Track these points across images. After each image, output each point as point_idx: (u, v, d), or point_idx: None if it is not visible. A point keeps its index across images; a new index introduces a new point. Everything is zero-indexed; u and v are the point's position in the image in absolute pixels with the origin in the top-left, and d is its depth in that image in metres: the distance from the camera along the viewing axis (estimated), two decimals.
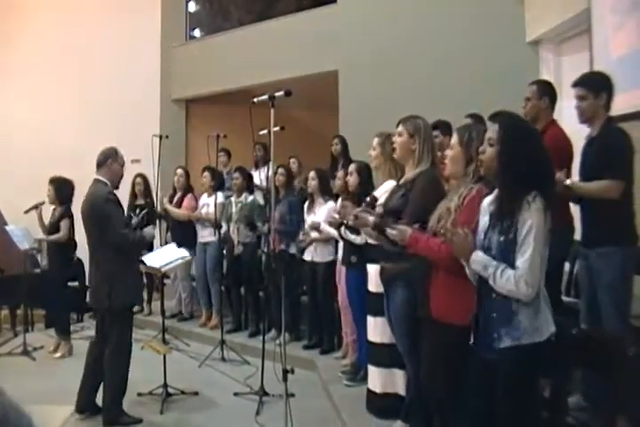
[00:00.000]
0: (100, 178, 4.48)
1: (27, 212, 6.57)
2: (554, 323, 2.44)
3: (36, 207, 6.55)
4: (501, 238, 2.45)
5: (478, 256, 2.47)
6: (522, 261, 2.35)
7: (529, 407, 2.47)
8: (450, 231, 2.57)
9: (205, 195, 7.06)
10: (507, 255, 2.41)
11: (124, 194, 7.16)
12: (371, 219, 3.55)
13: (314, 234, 5.60)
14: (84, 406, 4.54)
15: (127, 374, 4.49)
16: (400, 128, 3.56)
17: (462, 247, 2.51)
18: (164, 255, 5.12)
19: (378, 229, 3.43)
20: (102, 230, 4.32)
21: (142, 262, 5.08)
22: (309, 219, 5.77)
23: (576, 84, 3.62)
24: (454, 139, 3.02)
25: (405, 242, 2.93)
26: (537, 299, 2.40)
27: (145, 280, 7.58)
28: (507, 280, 2.35)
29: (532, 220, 2.34)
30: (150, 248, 7.27)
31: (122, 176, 4.59)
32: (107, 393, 4.44)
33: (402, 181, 3.61)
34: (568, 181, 3.44)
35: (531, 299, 2.37)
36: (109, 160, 4.48)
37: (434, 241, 2.83)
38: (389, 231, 3.04)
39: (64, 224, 6.23)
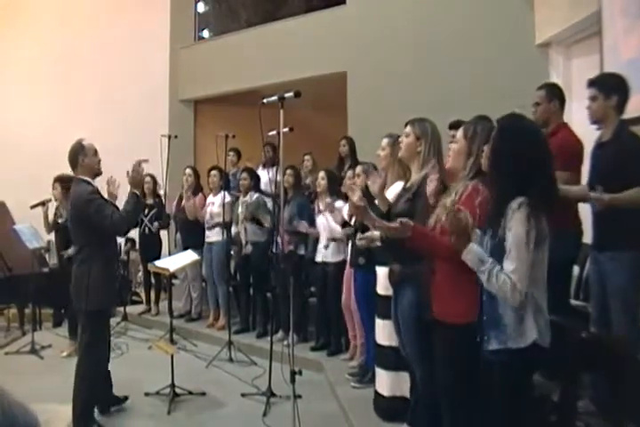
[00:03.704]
0: (80, 177, 4.37)
1: (33, 207, 6.58)
2: (538, 332, 2.43)
3: (42, 204, 6.56)
4: (490, 242, 2.49)
5: (474, 248, 2.49)
6: (511, 270, 2.36)
7: (516, 409, 2.48)
8: (451, 212, 2.57)
9: (210, 195, 7.07)
10: (495, 259, 2.44)
11: None
12: (376, 234, 3.57)
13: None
14: (105, 404, 4.57)
15: (100, 381, 4.42)
16: (408, 129, 3.56)
17: (458, 234, 2.51)
18: (177, 259, 5.20)
19: (386, 242, 3.48)
20: (94, 229, 4.24)
21: (151, 262, 5.17)
22: (318, 219, 5.79)
23: (589, 85, 3.62)
24: (459, 133, 3.04)
25: (408, 234, 2.91)
26: (523, 304, 2.41)
27: (153, 281, 7.65)
28: (503, 283, 2.37)
29: (514, 229, 2.35)
30: (159, 250, 7.36)
31: (99, 163, 4.43)
32: (76, 403, 4.27)
33: (408, 184, 3.61)
34: (607, 197, 3.29)
35: (518, 305, 2.39)
36: (79, 157, 4.34)
37: (438, 235, 2.85)
38: (389, 224, 3.00)
39: None
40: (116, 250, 4.62)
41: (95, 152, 4.42)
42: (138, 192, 4.39)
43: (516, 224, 2.35)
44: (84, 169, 4.36)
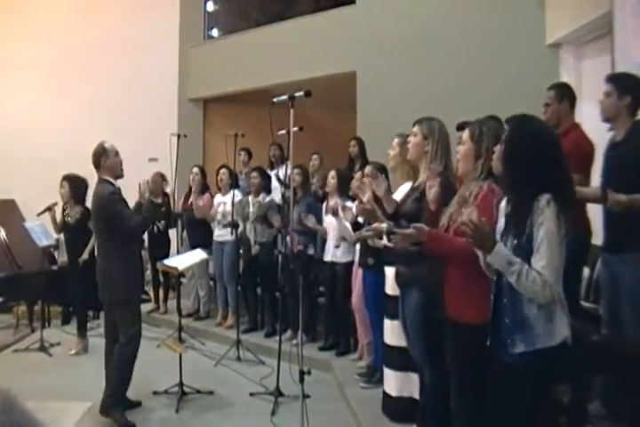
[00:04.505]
0: (102, 177, 4.57)
1: (40, 214, 6.60)
2: (569, 327, 2.40)
3: (49, 209, 6.57)
4: (514, 242, 2.44)
5: (501, 250, 2.39)
6: (542, 266, 2.31)
7: (542, 411, 2.45)
8: (468, 224, 2.46)
9: (219, 194, 7.08)
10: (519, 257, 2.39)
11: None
12: (384, 225, 3.56)
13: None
14: None
15: (131, 370, 4.55)
16: (415, 129, 3.56)
17: (482, 239, 2.42)
18: (186, 258, 5.23)
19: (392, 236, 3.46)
20: (113, 227, 4.44)
21: (160, 261, 5.21)
22: (327, 219, 5.78)
23: (607, 80, 3.59)
24: (465, 135, 3.02)
25: (424, 239, 2.87)
26: (551, 303, 2.38)
27: (162, 279, 7.67)
28: (533, 282, 2.31)
29: (545, 226, 2.31)
30: (167, 248, 7.37)
31: (121, 164, 4.63)
32: (108, 387, 4.50)
33: (416, 183, 3.61)
34: (624, 197, 3.22)
35: (550, 301, 2.36)
36: (102, 159, 4.54)
37: (453, 237, 2.83)
38: (404, 231, 2.94)
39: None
40: (137, 243, 4.78)
41: (116, 153, 4.61)
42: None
43: (546, 220, 2.31)
44: (106, 170, 4.56)
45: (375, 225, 3.74)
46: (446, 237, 2.89)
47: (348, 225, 5.27)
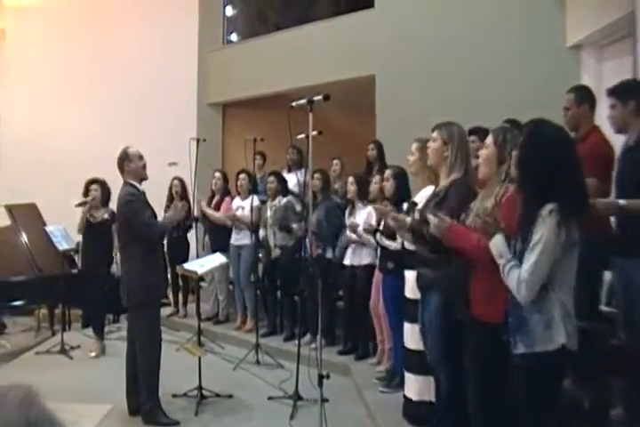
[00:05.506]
0: (127, 180, 4.67)
1: (78, 206, 6.66)
2: (575, 334, 2.40)
3: (85, 203, 6.66)
4: (520, 246, 2.47)
5: (498, 241, 2.53)
6: (526, 267, 2.37)
7: (548, 413, 2.46)
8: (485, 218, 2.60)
9: (238, 198, 7.09)
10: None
11: (161, 196, 7.27)
12: (408, 220, 3.55)
13: (352, 236, 5.58)
14: (135, 407, 4.62)
15: (157, 373, 4.57)
16: (435, 134, 3.55)
17: (484, 226, 2.59)
18: (205, 262, 5.25)
19: (415, 231, 3.45)
20: (130, 228, 4.53)
21: (179, 265, 5.24)
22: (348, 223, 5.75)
23: (608, 94, 3.58)
24: (489, 139, 3.04)
25: (444, 230, 2.91)
26: (550, 307, 2.39)
27: (181, 283, 7.69)
28: (511, 278, 2.41)
29: (542, 232, 2.35)
30: (186, 252, 7.41)
31: (144, 167, 4.71)
32: (142, 392, 4.54)
33: (437, 189, 3.59)
34: (622, 202, 3.26)
35: (526, 303, 2.40)
36: (125, 163, 4.64)
37: (474, 234, 2.83)
38: (430, 218, 3.00)
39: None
40: (157, 246, 4.83)
41: (140, 157, 4.70)
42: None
43: (545, 230, 2.34)
44: (130, 174, 4.66)
45: (401, 216, 3.71)
46: (463, 232, 2.90)
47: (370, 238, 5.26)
